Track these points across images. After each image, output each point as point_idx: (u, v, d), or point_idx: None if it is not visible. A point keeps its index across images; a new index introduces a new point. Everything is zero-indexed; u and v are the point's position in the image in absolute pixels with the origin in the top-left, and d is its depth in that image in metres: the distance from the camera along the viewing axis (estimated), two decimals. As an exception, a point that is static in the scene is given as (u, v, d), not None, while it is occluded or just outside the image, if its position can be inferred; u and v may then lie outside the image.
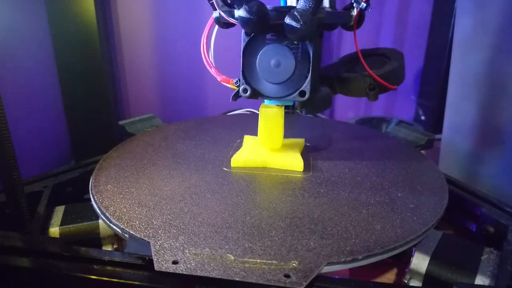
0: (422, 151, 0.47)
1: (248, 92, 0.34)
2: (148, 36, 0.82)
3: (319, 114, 0.68)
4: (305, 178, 0.37)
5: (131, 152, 0.43)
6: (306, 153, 0.43)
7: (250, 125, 0.51)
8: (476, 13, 0.54)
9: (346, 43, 0.85)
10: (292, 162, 0.39)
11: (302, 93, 0.33)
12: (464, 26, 0.56)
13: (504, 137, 0.49)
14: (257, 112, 0.46)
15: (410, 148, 0.47)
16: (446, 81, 0.60)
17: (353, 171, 0.39)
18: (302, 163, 0.39)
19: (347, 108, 0.92)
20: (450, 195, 0.35)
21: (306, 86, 0.33)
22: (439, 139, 0.61)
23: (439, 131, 0.63)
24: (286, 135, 0.41)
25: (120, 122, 0.53)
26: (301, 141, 0.45)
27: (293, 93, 0.34)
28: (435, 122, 0.81)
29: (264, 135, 0.40)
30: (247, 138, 0.45)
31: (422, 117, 0.88)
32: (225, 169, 0.39)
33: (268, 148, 0.41)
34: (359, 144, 0.48)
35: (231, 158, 0.40)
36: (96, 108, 0.77)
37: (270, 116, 0.39)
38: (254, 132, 0.43)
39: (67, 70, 0.73)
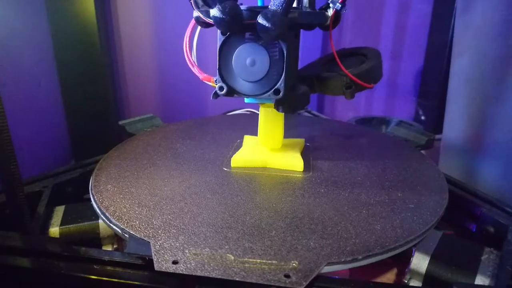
0: (422, 151, 0.47)
1: (224, 90, 0.34)
2: (148, 36, 0.82)
3: (319, 114, 0.68)
4: (305, 178, 0.37)
5: (131, 152, 0.43)
6: (306, 153, 0.43)
7: (250, 125, 0.51)
8: (464, 14, 0.54)
9: (346, 42, 0.85)
10: (292, 162, 0.39)
11: (277, 91, 0.34)
12: (457, 27, 0.56)
13: (504, 137, 0.49)
14: (257, 112, 0.46)
15: (410, 148, 0.47)
16: (446, 81, 0.60)
17: (353, 171, 0.39)
18: (302, 163, 0.39)
19: (347, 108, 0.92)
20: (450, 195, 0.35)
21: (280, 84, 0.33)
22: (439, 139, 0.61)
23: (439, 131, 0.63)
24: (286, 135, 0.41)
25: (120, 122, 0.53)
26: (301, 141, 0.45)
27: (268, 91, 0.34)
28: (435, 122, 0.81)
29: (264, 135, 0.40)
30: (247, 138, 0.45)
31: (422, 117, 0.88)
32: (225, 169, 0.39)
33: (268, 148, 0.41)
34: (359, 144, 0.48)
35: (231, 158, 0.40)
36: (96, 108, 0.77)
37: (270, 116, 0.39)
38: (254, 132, 0.43)
39: (67, 70, 0.73)
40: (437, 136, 0.54)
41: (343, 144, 0.47)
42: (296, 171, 0.39)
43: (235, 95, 0.35)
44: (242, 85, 0.34)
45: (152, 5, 0.80)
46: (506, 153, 0.50)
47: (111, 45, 0.81)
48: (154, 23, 0.82)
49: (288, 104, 0.36)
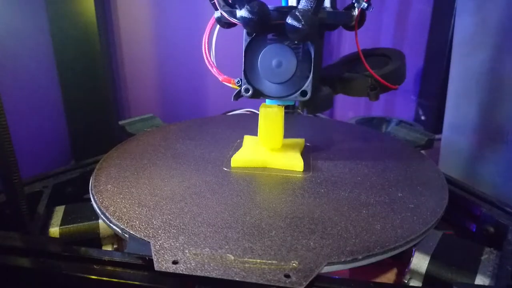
0: (422, 151, 0.47)
1: (250, 92, 0.34)
2: (148, 36, 0.82)
3: (319, 114, 0.68)
4: (305, 178, 0.37)
5: (131, 152, 0.43)
6: (306, 153, 0.43)
7: (250, 125, 0.51)
8: (477, 12, 0.54)
9: (346, 43, 0.85)
10: (292, 162, 0.39)
11: (304, 93, 0.34)
12: (464, 26, 0.56)
13: (504, 137, 0.49)
14: (257, 112, 0.46)
15: (410, 148, 0.47)
16: (446, 81, 0.60)
17: (353, 171, 0.39)
18: (302, 163, 0.39)
19: (347, 108, 0.92)
20: (450, 195, 0.35)
21: (307, 86, 0.33)
22: (439, 139, 0.61)
23: (439, 131, 0.63)
24: (286, 135, 0.41)
25: (120, 122, 0.53)
26: (301, 141, 0.45)
27: (295, 93, 0.34)
28: (435, 122, 0.81)
29: (264, 135, 0.40)
30: (247, 138, 0.45)
31: (422, 117, 0.88)
32: (225, 169, 0.39)
33: (268, 148, 0.41)
34: (359, 144, 0.48)
35: (231, 158, 0.40)
36: (96, 108, 0.77)
37: (270, 116, 0.39)
38: (254, 132, 0.43)
39: (67, 70, 0.73)
40: (437, 136, 0.54)
41: (343, 144, 0.47)
42: (296, 171, 0.39)
43: (261, 97, 0.35)
44: (267, 86, 0.34)
45: (152, 5, 0.80)
46: (506, 153, 0.50)
47: (111, 45, 0.81)
48: (154, 23, 0.82)
49: (314, 106, 0.36)
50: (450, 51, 0.60)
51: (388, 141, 0.49)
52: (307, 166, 0.39)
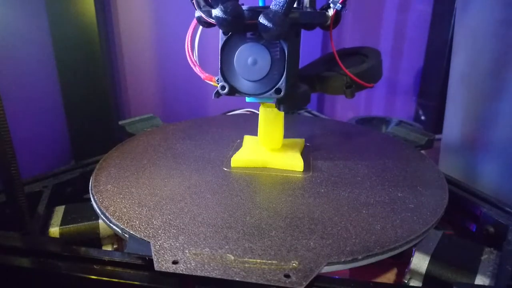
0: (422, 151, 0.47)
1: (226, 89, 0.35)
2: (148, 36, 0.82)
3: (319, 114, 0.68)
4: (305, 178, 0.37)
5: (131, 152, 0.43)
6: (306, 153, 0.43)
7: (250, 125, 0.51)
8: (461, 13, 0.54)
9: (346, 43, 0.85)
10: (292, 162, 0.39)
11: (278, 91, 0.34)
12: (457, 26, 0.56)
13: (504, 137, 0.49)
14: (257, 112, 0.46)
15: (410, 148, 0.47)
16: (446, 81, 0.60)
17: (353, 171, 0.39)
18: (302, 163, 0.39)
19: (347, 108, 0.92)
20: (450, 195, 0.35)
21: (281, 83, 0.34)
22: (439, 139, 0.61)
23: (439, 131, 0.63)
24: (286, 135, 0.41)
25: (120, 122, 0.53)
26: (301, 141, 0.45)
27: (269, 90, 0.34)
28: (435, 122, 0.81)
29: (264, 135, 0.40)
30: (247, 138, 0.45)
31: (422, 117, 0.88)
32: (225, 169, 0.39)
33: (268, 148, 0.41)
34: (359, 144, 0.48)
35: (231, 158, 0.40)
36: (96, 108, 0.77)
37: (270, 116, 0.39)
38: (254, 132, 0.43)
39: (67, 70, 0.73)
40: (437, 136, 0.54)
41: (343, 144, 0.47)
42: (296, 171, 0.39)
43: (237, 94, 0.35)
44: (243, 84, 0.35)
45: (152, 5, 0.80)
46: (506, 152, 0.50)
47: (111, 45, 0.81)
48: (154, 23, 0.82)
49: (289, 103, 0.36)
50: (450, 51, 0.61)
51: (388, 141, 0.49)
52: (307, 166, 0.39)
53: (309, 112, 0.67)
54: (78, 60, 0.73)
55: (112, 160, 0.41)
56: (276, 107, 0.36)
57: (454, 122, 0.58)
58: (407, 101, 0.90)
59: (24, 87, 0.64)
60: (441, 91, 0.77)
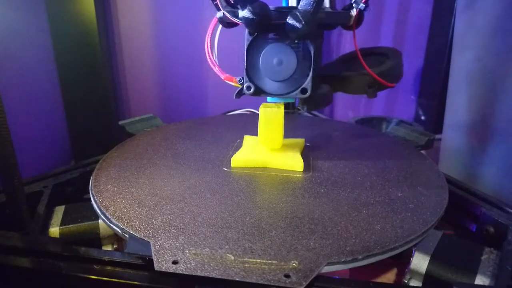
0: (422, 151, 0.47)
1: (252, 90, 0.35)
2: (148, 36, 0.82)
3: (319, 114, 0.68)
4: (305, 178, 0.37)
5: (131, 152, 0.43)
6: (306, 153, 0.43)
7: (250, 125, 0.51)
8: (467, 11, 0.54)
9: (346, 42, 0.85)
10: (292, 162, 0.39)
11: (304, 90, 0.35)
12: (459, 25, 0.56)
13: (504, 137, 0.49)
14: (257, 112, 0.46)
15: (410, 148, 0.47)
16: (446, 81, 0.60)
17: (353, 171, 0.39)
18: (302, 163, 0.39)
19: (347, 108, 0.92)
20: (450, 195, 0.35)
21: (307, 83, 0.34)
22: (439, 139, 0.61)
23: (439, 131, 0.63)
24: (286, 135, 0.41)
25: (120, 122, 0.53)
26: (301, 141, 0.45)
27: (295, 90, 0.35)
28: (435, 122, 0.81)
29: (264, 135, 0.40)
30: (247, 138, 0.45)
31: (422, 117, 0.88)
32: (225, 169, 0.39)
33: (268, 148, 0.41)
34: (359, 144, 0.48)
35: (231, 158, 0.40)
36: (96, 108, 0.77)
37: (270, 116, 0.39)
38: (254, 132, 0.43)
39: (67, 70, 0.73)
40: (437, 136, 0.54)
41: (343, 144, 0.47)
42: (296, 171, 0.39)
43: (262, 95, 0.36)
44: (268, 84, 0.35)
45: (152, 5, 0.80)
46: (506, 152, 0.50)
47: (111, 45, 0.81)
48: (154, 23, 0.81)
49: (313, 103, 0.37)
50: (450, 51, 0.61)
51: (388, 141, 0.49)
52: (307, 166, 0.39)
53: (309, 112, 0.67)
54: (78, 60, 0.73)
55: (112, 160, 0.41)
56: (298, 105, 0.37)
57: (454, 122, 0.58)
58: (407, 101, 0.90)
59: (24, 87, 0.64)
60: (441, 91, 0.77)
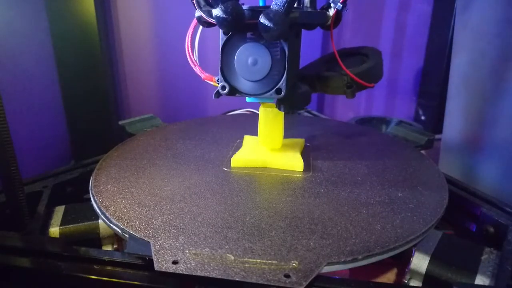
0: (422, 151, 0.47)
1: (227, 89, 0.35)
2: (148, 36, 0.82)
3: (319, 114, 0.68)
4: (305, 178, 0.37)
5: (131, 152, 0.43)
6: (306, 153, 0.43)
7: (250, 125, 0.51)
8: (463, 14, 0.54)
9: (346, 42, 0.85)
10: (292, 162, 0.39)
11: (278, 91, 0.34)
12: (457, 26, 0.56)
13: (504, 137, 0.49)
14: (257, 112, 0.46)
15: (410, 148, 0.47)
16: (446, 81, 0.60)
17: (353, 171, 0.39)
18: (302, 163, 0.39)
19: (347, 108, 0.92)
20: (450, 195, 0.35)
21: (282, 83, 0.34)
22: (439, 139, 0.61)
23: (439, 131, 0.63)
24: (286, 135, 0.41)
25: (120, 122, 0.53)
26: (301, 141, 0.45)
27: (270, 90, 0.34)
28: (435, 122, 0.81)
29: (264, 135, 0.40)
30: (247, 138, 0.45)
31: (422, 117, 0.88)
32: (225, 169, 0.39)
33: (268, 148, 0.41)
34: (359, 144, 0.48)
35: (231, 158, 0.40)
36: (96, 108, 0.77)
37: (270, 116, 0.39)
38: (254, 132, 0.43)
39: (67, 70, 0.73)
40: (437, 136, 0.54)
41: (343, 144, 0.47)
42: (296, 171, 0.39)
43: (237, 95, 0.35)
44: (244, 84, 0.35)
45: (152, 5, 0.80)
46: (506, 152, 0.50)
47: (111, 45, 0.81)
48: (154, 23, 0.82)
49: (290, 103, 0.36)
50: (450, 51, 0.61)
51: (388, 141, 0.49)
52: (307, 166, 0.39)
53: (309, 112, 0.67)
54: (78, 60, 0.73)
55: (112, 160, 0.41)
56: (276, 107, 0.36)
57: (454, 122, 0.58)
58: (407, 101, 0.90)
59: (24, 87, 0.64)
60: (441, 91, 0.77)
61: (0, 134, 0.28)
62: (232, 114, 0.64)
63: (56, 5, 0.70)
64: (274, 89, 0.34)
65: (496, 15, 0.49)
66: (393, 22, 0.84)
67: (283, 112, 0.38)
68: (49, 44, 0.71)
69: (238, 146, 0.44)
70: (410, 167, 0.40)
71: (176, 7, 0.79)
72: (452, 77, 0.58)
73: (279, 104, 0.36)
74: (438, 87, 0.81)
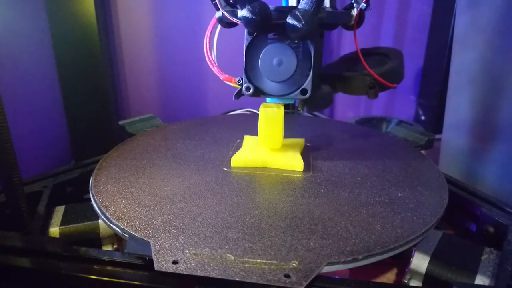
0: (422, 151, 0.47)
1: (251, 90, 0.35)
2: (148, 36, 0.82)
3: (319, 114, 0.68)
4: (305, 178, 0.37)
5: (131, 152, 0.43)
6: (306, 153, 0.43)
7: (250, 125, 0.51)
8: (470, 11, 0.54)
9: (346, 42, 0.85)
10: (292, 162, 0.39)
11: (304, 91, 0.34)
12: (460, 24, 0.56)
13: (504, 137, 0.49)
14: (257, 112, 0.46)
15: (410, 148, 0.47)
16: (446, 81, 0.60)
17: (353, 171, 0.39)
18: (302, 163, 0.39)
19: (347, 108, 0.92)
20: (450, 195, 0.35)
21: (307, 84, 0.34)
22: (439, 139, 0.61)
23: (439, 131, 0.63)
24: (286, 135, 0.41)
25: (120, 122, 0.53)
26: (301, 141, 0.45)
27: (295, 91, 0.35)
28: (435, 122, 0.81)
29: (264, 135, 0.40)
30: (247, 138, 0.45)
31: (422, 117, 0.88)
32: (225, 169, 0.39)
33: (268, 148, 0.41)
34: (359, 144, 0.48)
35: (231, 158, 0.40)
36: (96, 108, 0.77)
37: (270, 116, 0.39)
38: (254, 132, 0.43)
39: (67, 70, 0.73)
40: (437, 136, 0.54)
41: (343, 144, 0.47)
42: (296, 171, 0.39)
43: (261, 96, 0.35)
44: (268, 85, 0.35)
45: (152, 5, 0.80)
46: (506, 152, 0.49)
47: (111, 45, 0.81)
48: (154, 23, 0.82)
49: (313, 104, 0.36)
50: (450, 51, 0.60)
51: (388, 141, 0.49)
52: (307, 166, 0.39)
53: (310, 112, 0.67)
54: (78, 60, 0.73)
55: (112, 160, 0.41)
56: (299, 106, 0.37)
57: (455, 122, 0.58)
58: (407, 101, 0.90)
59: (24, 87, 0.64)
60: (441, 91, 0.77)
61: (0, 134, 0.28)
62: (232, 114, 0.64)
63: (56, 5, 0.69)
64: (299, 89, 0.34)
65: (507, 10, 0.48)
66: (393, 22, 0.84)
67: (283, 112, 0.38)
68: (49, 44, 0.71)
69: (238, 146, 0.44)
70: (410, 167, 0.40)
71: (176, 7, 0.79)
72: (453, 76, 0.58)
73: (303, 105, 0.36)
74: (438, 87, 0.81)
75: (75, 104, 0.76)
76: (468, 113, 0.54)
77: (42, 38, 0.69)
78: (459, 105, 0.56)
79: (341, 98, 0.90)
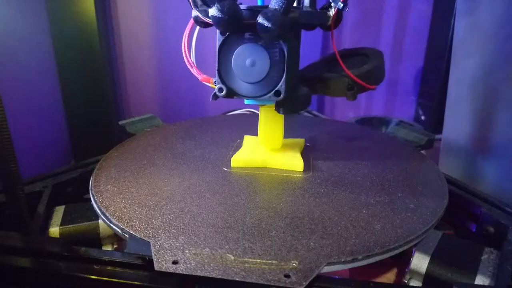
0: (422, 151, 0.47)
1: (224, 91, 0.34)
2: (148, 36, 0.82)
3: (319, 114, 0.68)
4: (305, 178, 0.37)
5: (131, 152, 0.43)
6: (306, 153, 0.43)
7: (250, 125, 0.51)
8: (470, 15, 0.54)
9: (346, 43, 0.85)
10: (292, 162, 0.39)
11: (277, 93, 0.33)
12: (460, 28, 0.56)
13: (504, 137, 0.49)
14: (257, 112, 0.46)
15: (410, 148, 0.47)
16: (446, 81, 0.60)
17: (353, 171, 0.39)
18: (302, 163, 0.39)
19: (347, 108, 0.92)
20: (450, 195, 0.35)
21: (281, 85, 0.33)
22: (439, 139, 0.61)
23: (439, 131, 0.63)
24: (286, 135, 0.41)
25: (120, 122, 0.53)
26: (301, 141, 0.45)
27: (269, 92, 0.33)
28: (435, 122, 0.81)
29: (264, 135, 0.40)
30: (247, 138, 0.45)
31: (422, 117, 0.88)
32: (225, 169, 0.39)
33: (268, 148, 0.41)
34: (359, 144, 0.48)
35: (231, 158, 0.40)
36: (96, 108, 0.77)
37: (270, 116, 0.39)
38: (254, 132, 0.43)
39: (67, 70, 0.73)
40: (437, 136, 0.54)
41: (343, 144, 0.47)
42: (296, 171, 0.39)
43: (235, 97, 0.34)
44: (242, 86, 0.34)
45: (152, 5, 0.80)
46: (506, 153, 0.49)
47: (111, 45, 0.81)
48: (154, 23, 0.82)
49: (289, 106, 0.35)
50: (450, 51, 0.60)
51: (388, 141, 0.49)
52: (307, 166, 0.39)
53: (309, 112, 0.67)
54: (78, 60, 0.73)
55: (112, 160, 0.41)
56: (275, 109, 0.36)
57: (454, 122, 0.58)
58: (407, 101, 0.90)
59: (24, 87, 0.64)
60: (441, 91, 0.76)
61: (0, 134, 0.28)
62: (232, 114, 0.64)
63: (56, 5, 0.70)
64: (273, 91, 0.33)
65: (508, 16, 0.48)
66: (393, 22, 0.84)
67: (284, 114, 0.38)
68: (49, 44, 0.71)
69: (238, 146, 0.44)
70: (410, 167, 0.40)
71: (176, 7, 0.79)
72: (453, 79, 0.58)
73: (278, 107, 0.35)
74: (438, 87, 0.81)
75: (75, 104, 0.76)
76: (469, 114, 0.55)
77: (42, 38, 0.69)
78: (460, 107, 0.57)
79: (341, 98, 0.90)
